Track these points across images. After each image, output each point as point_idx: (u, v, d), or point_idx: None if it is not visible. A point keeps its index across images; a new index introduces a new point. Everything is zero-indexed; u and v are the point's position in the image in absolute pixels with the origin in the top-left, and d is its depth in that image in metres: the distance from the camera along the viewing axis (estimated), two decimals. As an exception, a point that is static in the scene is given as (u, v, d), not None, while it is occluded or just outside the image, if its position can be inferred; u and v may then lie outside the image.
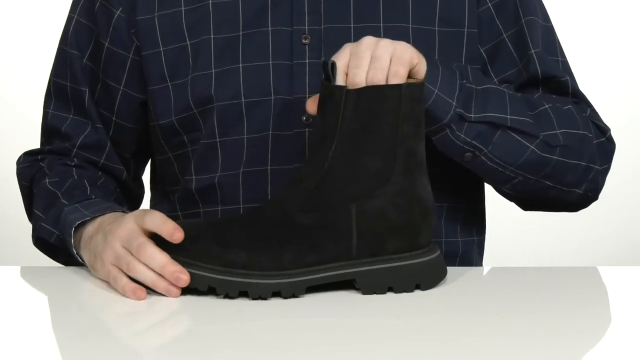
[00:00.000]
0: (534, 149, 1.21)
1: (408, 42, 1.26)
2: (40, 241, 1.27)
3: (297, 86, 1.26)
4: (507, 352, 0.91)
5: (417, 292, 1.10)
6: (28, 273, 1.24)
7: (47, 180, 1.29)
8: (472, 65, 1.27)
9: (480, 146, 1.19)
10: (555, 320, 1.01)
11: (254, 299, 1.06)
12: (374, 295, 1.08)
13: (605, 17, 2.74)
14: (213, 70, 1.27)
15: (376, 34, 1.26)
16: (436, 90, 1.16)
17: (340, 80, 1.10)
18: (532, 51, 1.28)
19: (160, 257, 1.08)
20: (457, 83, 1.18)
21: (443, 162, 1.23)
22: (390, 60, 1.11)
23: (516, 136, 1.20)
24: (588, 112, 1.29)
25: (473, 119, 1.18)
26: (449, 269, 1.19)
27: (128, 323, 1.03)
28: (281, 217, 1.08)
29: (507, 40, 1.29)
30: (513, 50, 1.29)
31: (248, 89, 1.26)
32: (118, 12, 1.30)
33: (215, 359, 0.90)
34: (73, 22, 1.33)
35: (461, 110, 1.18)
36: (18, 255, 2.74)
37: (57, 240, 1.24)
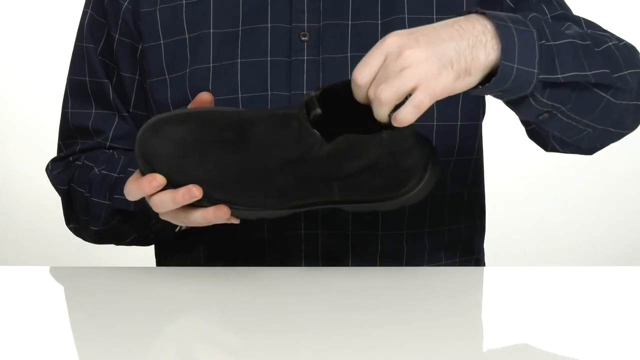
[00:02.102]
0: (609, 98, 1.15)
1: None
2: (116, 214, 1.27)
3: (294, 83, 1.26)
4: (507, 352, 0.91)
5: (416, 292, 1.10)
6: (57, 273, 1.24)
7: (96, 170, 1.30)
8: None
9: (559, 106, 1.12)
10: (555, 320, 1.01)
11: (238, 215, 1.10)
12: (371, 294, 1.08)
13: (607, 18, 2.74)
14: (211, 65, 1.28)
15: (374, 30, 1.27)
16: (515, 65, 1.05)
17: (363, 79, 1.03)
18: None
19: (200, 216, 1.09)
20: (536, 45, 1.07)
21: (443, 150, 1.22)
22: (417, 87, 1.02)
23: (595, 89, 1.13)
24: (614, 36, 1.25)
25: (562, 80, 1.08)
26: (449, 269, 1.19)
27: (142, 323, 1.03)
28: (265, 171, 1.08)
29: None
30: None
31: (245, 85, 1.27)
32: (125, 4, 1.32)
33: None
34: (87, 17, 1.35)
35: (545, 76, 1.08)
36: (18, 255, 2.75)
37: (136, 206, 1.24)
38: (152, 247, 1.41)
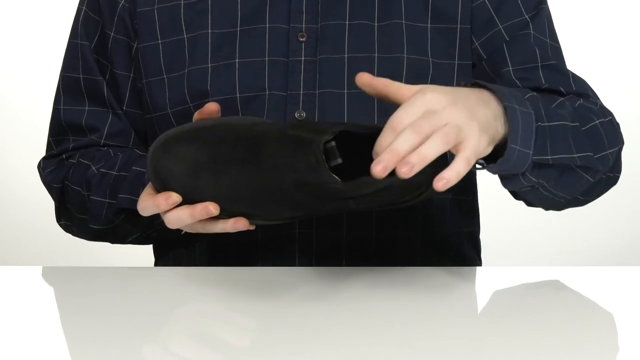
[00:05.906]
0: (589, 178, 1.19)
1: (401, 38, 1.27)
2: (121, 213, 1.26)
3: (291, 82, 1.27)
4: (507, 353, 0.91)
5: (416, 292, 1.09)
6: (50, 273, 1.24)
7: (94, 169, 1.29)
8: (463, 61, 1.28)
9: (544, 182, 1.14)
10: (555, 320, 1.01)
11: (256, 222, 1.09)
12: (365, 293, 1.08)
13: (609, 18, 2.74)
14: (209, 65, 1.28)
15: (370, 32, 1.27)
16: (518, 147, 1.07)
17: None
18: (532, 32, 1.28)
19: (219, 228, 1.09)
20: (533, 127, 1.09)
21: None
22: (461, 145, 0.98)
23: (578, 170, 1.17)
24: (598, 104, 1.28)
25: (551, 161, 1.11)
26: (448, 269, 1.19)
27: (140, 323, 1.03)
28: (279, 189, 1.08)
29: (503, 31, 1.29)
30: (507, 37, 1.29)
31: (243, 85, 1.27)
32: (122, 2, 1.32)
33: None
34: (82, 15, 1.35)
35: (537, 158, 1.10)
36: (18, 255, 2.75)
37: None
38: (150, 245, 1.41)
